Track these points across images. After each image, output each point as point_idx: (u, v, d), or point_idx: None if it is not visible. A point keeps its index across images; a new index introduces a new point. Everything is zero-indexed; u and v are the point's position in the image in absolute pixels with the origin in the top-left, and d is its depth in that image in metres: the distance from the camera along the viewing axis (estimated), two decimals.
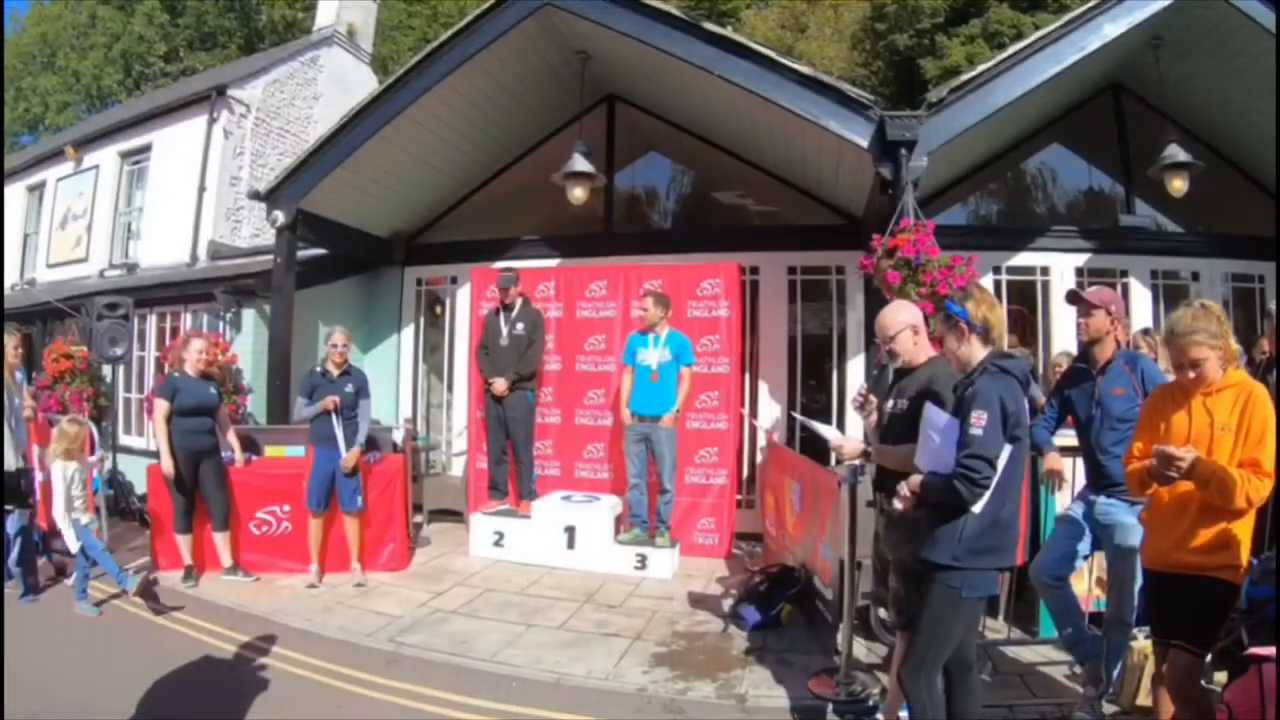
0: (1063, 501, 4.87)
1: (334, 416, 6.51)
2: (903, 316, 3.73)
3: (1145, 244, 8.10)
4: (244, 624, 5.63)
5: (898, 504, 3.31)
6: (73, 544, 5.87)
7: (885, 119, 6.18)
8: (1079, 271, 8.11)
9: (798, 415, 4.55)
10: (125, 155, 14.23)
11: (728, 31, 6.81)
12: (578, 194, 7.95)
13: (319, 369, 6.72)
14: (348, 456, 6.49)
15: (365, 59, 16.71)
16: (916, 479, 3.24)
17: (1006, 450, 3.09)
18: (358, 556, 6.71)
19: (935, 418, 3.22)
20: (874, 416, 3.89)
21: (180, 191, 12.85)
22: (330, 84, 15.34)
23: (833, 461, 6.41)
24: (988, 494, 3.06)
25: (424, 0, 34.59)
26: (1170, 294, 8.03)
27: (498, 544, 7.42)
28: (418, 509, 8.43)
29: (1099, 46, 6.35)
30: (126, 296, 9.15)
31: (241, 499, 6.78)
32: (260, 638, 5.36)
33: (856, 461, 4.17)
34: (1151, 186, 7.60)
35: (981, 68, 6.40)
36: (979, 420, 3.03)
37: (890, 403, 3.71)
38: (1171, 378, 3.52)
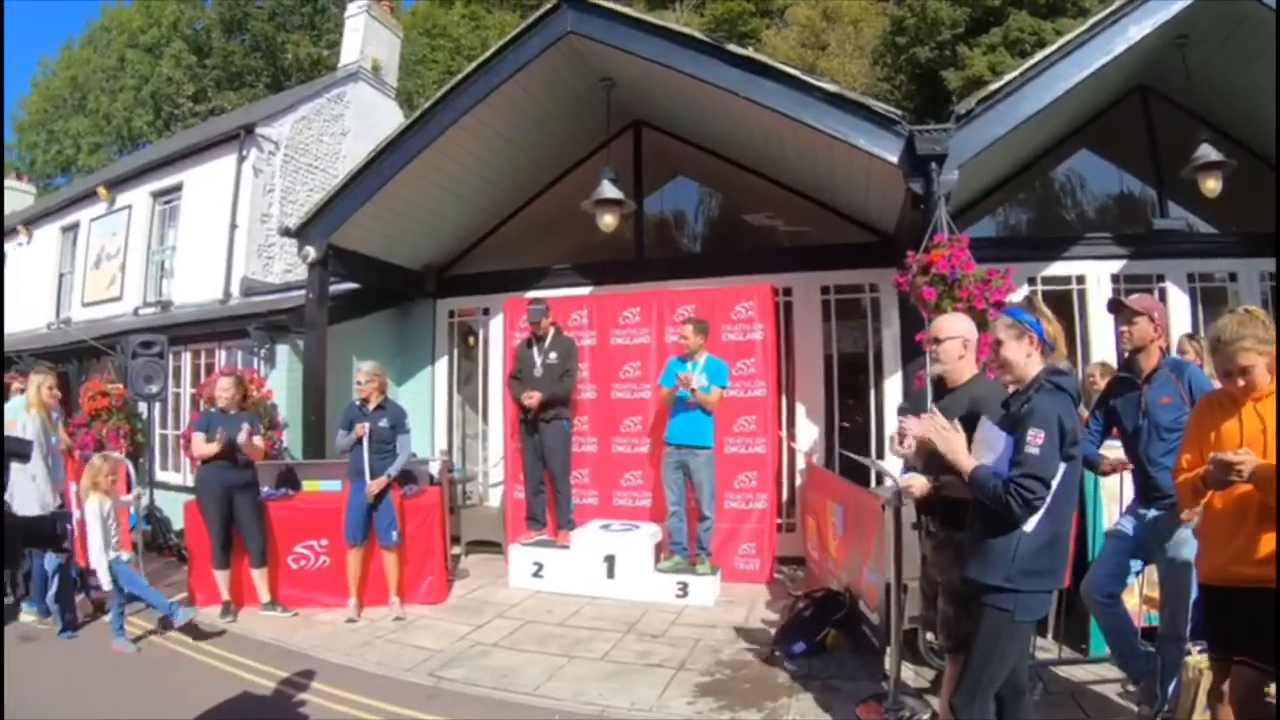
0: (1111, 516, 4.76)
1: (364, 447, 6.52)
2: (959, 326, 3.68)
3: (1180, 247, 7.95)
4: (283, 659, 5.60)
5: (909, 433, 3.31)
6: (106, 582, 5.86)
7: (914, 133, 6.12)
8: (1115, 279, 7.97)
9: (867, 460, 4.45)
10: (157, 195, 14.45)
11: (752, 53, 6.80)
12: (608, 221, 7.94)
13: (356, 402, 6.75)
14: (372, 485, 6.47)
15: (390, 93, 16.91)
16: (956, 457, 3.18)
17: (1061, 469, 3.00)
18: (396, 590, 6.68)
19: (992, 435, 3.15)
20: (911, 447, 3.78)
21: (212, 229, 13.02)
22: (357, 119, 15.52)
23: (872, 483, 6.34)
24: (1040, 513, 2.98)
25: (446, 35, 35.06)
26: (1208, 297, 7.89)
27: (537, 575, 7.37)
28: (455, 541, 8.37)
29: (1125, 49, 6.27)
30: (161, 334, 9.24)
31: (279, 533, 6.80)
32: (299, 673, 5.32)
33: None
34: (1184, 188, 7.47)
35: (1008, 77, 6.32)
36: (1036, 439, 2.94)
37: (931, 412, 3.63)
38: (1218, 384, 3.43)
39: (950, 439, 3.22)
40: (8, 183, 23.38)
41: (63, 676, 5.08)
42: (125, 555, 6.06)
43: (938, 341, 3.64)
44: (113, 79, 34.52)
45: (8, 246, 18.37)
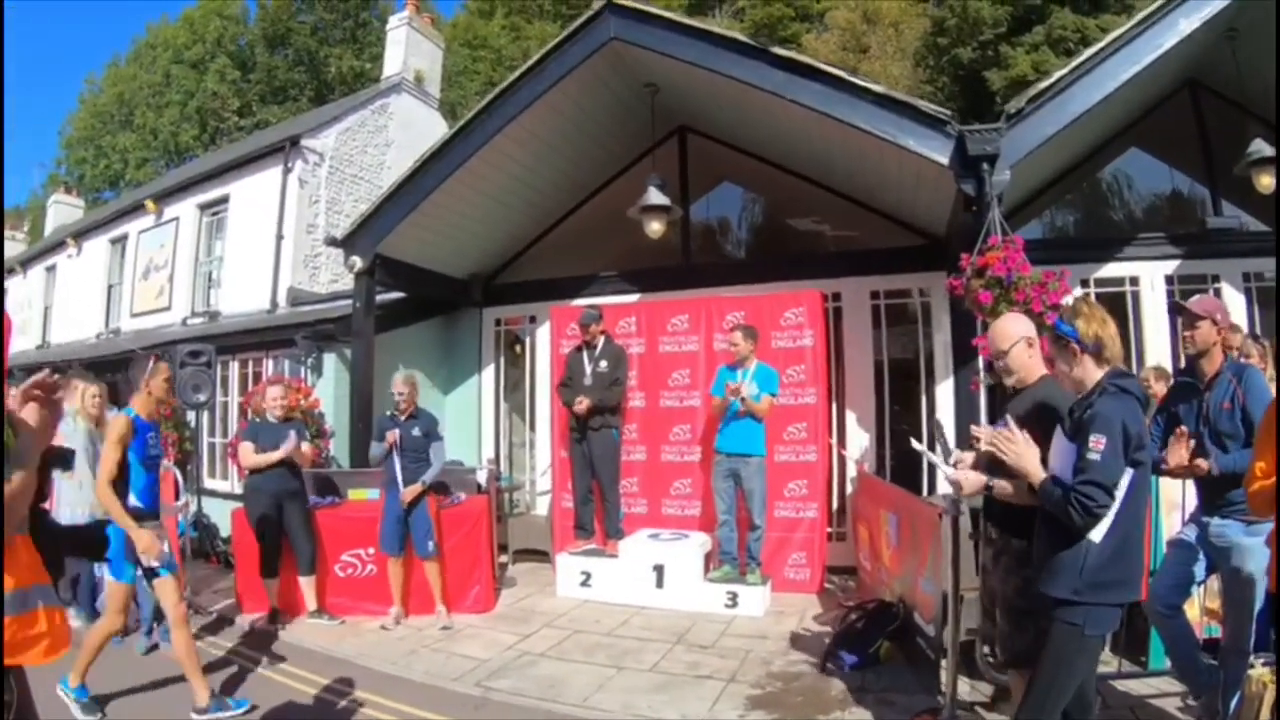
0: (1172, 525, 4.63)
1: (395, 456, 6.52)
2: (1016, 328, 3.53)
3: (1235, 245, 7.71)
4: (329, 667, 5.61)
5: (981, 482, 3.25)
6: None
7: (964, 134, 6.01)
8: (1169, 279, 7.80)
9: (922, 447, 4.35)
10: (204, 207, 14.71)
11: (797, 55, 6.74)
12: (655, 227, 7.91)
13: (389, 413, 6.75)
14: (405, 492, 6.45)
15: (433, 104, 17.08)
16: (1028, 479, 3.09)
17: (1128, 475, 2.89)
18: (441, 599, 6.66)
19: (1061, 445, 3.05)
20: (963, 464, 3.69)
21: (258, 240, 13.22)
22: (401, 130, 15.69)
23: (931, 489, 6.23)
24: (1108, 522, 2.87)
25: (487, 46, 35.37)
26: (1264, 297, 7.68)
27: (585, 584, 7.32)
28: (503, 549, 8.37)
29: (1175, 43, 6.11)
30: (209, 344, 9.33)
31: (327, 541, 6.84)
32: (345, 681, 5.33)
33: (977, 501, 3.89)
34: (1237, 185, 7.31)
35: (1057, 75, 6.19)
36: (1098, 444, 2.84)
37: (1001, 423, 3.53)
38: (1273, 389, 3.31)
39: (1022, 452, 3.13)
40: (58, 196, 23.98)
41: (109, 682, 5.11)
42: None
43: (1003, 353, 3.52)
44: (159, 95, 35.27)
45: (58, 259, 18.81)
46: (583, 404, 7.38)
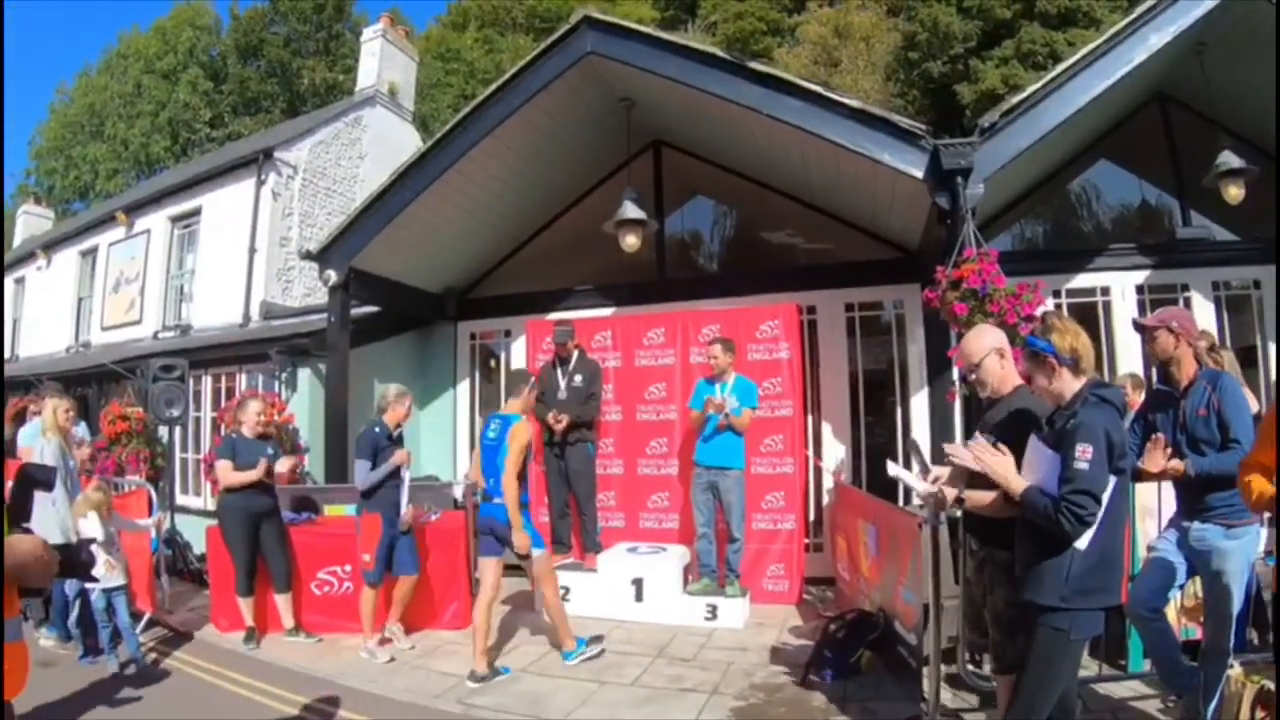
0: (1150, 531, 4.69)
1: (405, 478, 6.36)
2: (986, 340, 3.61)
3: (1204, 255, 7.89)
4: (308, 686, 5.56)
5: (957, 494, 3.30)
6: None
7: (939, 148, 6.08)
8: (1139, 289, 7.94)
9: (896, 468, 4.40)
10: (175, 219, 14.57)
11: (774, 70, 6.79)
12: (630, 241, 7.91)
13: (378, 429, 6.37)
14: (407, 514, 6.35)
15: (407, 117, 17.06)
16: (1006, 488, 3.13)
17: (1111, 482, 2.96)
18: (400, 617, 6.51)
19: (1040, 453, 3.10)
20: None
21: (231, 253, 13.10)
22: (374, 143, 15.63)
23: (907, 500, 6.26)
24: (1093, 529, 2.94)
25: (460, 58, 35.34)
26: (1233, 305, 7.87)
27: (564, 598, 7.23)
28: None
29: (1146, 57, 6.24)
30: (181, 358, 9.24)
31: (303, 559, 6.77)
32: (325, 700, 5.29)
33: (957, 513, 3.95)
34: (1205, 196, 7.45)
35: (1031, 89, 6.29)
36: (1085, 454, 2.91)
37: (975, 437, 3.58)
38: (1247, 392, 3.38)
39: (1000, 463, 3.17)
40: (28, 207, 23.66)
41: (85, 703, 5.04)
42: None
43: (975, 366, 3.58)
44: (130, 105, 34.87)
45: (27, 271, 18.54)
46: (562, 421, 7.36)
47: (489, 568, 5.73)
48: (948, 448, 3.57)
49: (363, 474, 6.19)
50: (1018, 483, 3.10)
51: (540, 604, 6.45)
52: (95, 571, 5.65)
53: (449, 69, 35.31)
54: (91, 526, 5.78)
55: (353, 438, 7.82)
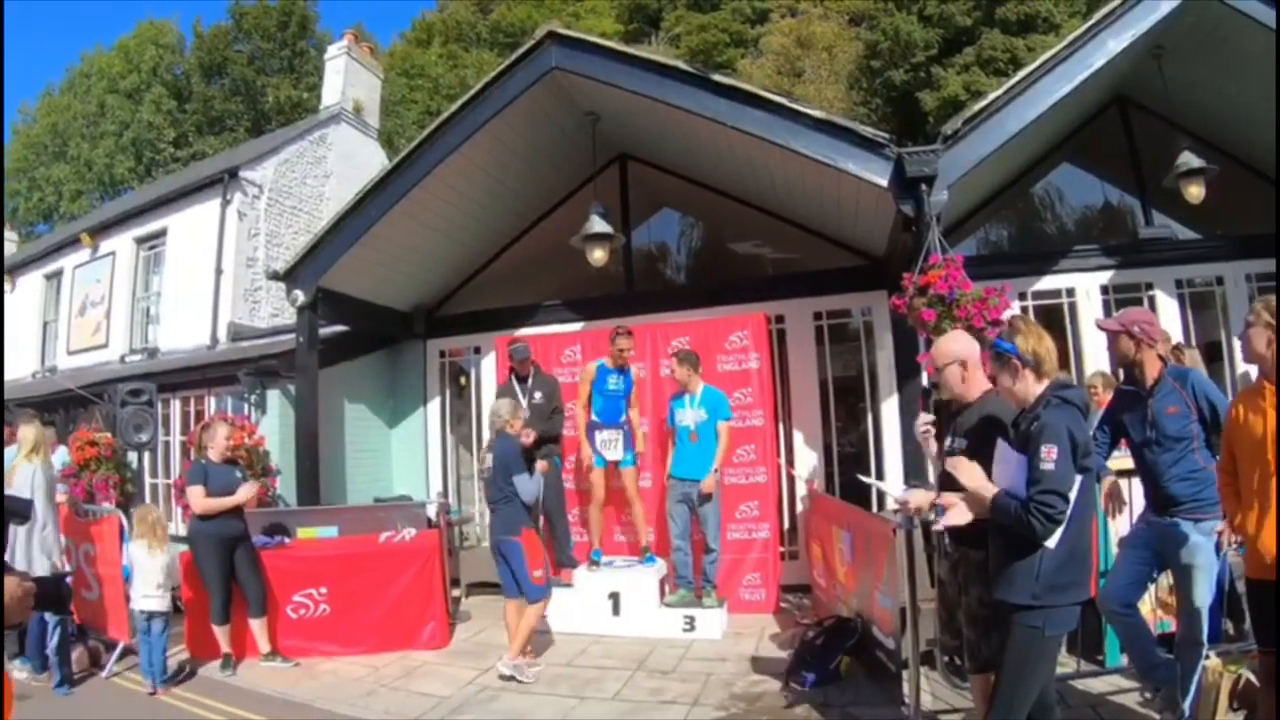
0: (1121, 527, 4.75)
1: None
2: (953, 348, 3.65)
3: (1167, 254, 8.04)
4: (287, 712, 5.51)
5: (949, 516, 3.28)
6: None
7: (903, 156, 6.14)
8: (1104, 289, 8.07)
9: (869, 478, 4.43)
10: (141, 241, 14.35)
11: (738, 82, 6.83)
12: (598, 255, 7.92)
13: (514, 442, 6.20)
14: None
15: (373, 134, 16.95)
16: (977, 493, 3.16)
17: (1077, 481, 3.01)
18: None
19: (1007, 456, 3.15)
20: (933, 445, 3.80)
21: (197, 275, 12.92)
22: (340, 161, 15.52)
23: (880, 506, 6.30)
24: (1061, 527, 2.98)
25: (425, 74, 35.27)
26: (1196, 302, 8.00)
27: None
28: (455, 584, 8.24)
29: (1105, 62, 6.34)
30: (149, 382, 9.11)
31: (277, 583, 6.67)
32: None
33: (931, 517, 4.00)
34: (1167, 196, 7.59)
35: (992, 96, 6.38)
36: (1049, 454, 2.95)
37: (947, 441, 3.62)
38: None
39: (969, 471, 3.21)
40: None
41: None
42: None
43: (938, 370, 3.63)
44: (93, 125, 34.46)
45: None
46: (529, 435, 7.35)
47: None
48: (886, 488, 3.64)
49: (527, 485, 6.01)
50: (987, 489, 3.14)
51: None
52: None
53: (413, 85, 35.27)
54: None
55: (325, 459, 7.79)
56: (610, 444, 7.34)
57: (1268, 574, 3.19)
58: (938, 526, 3.68)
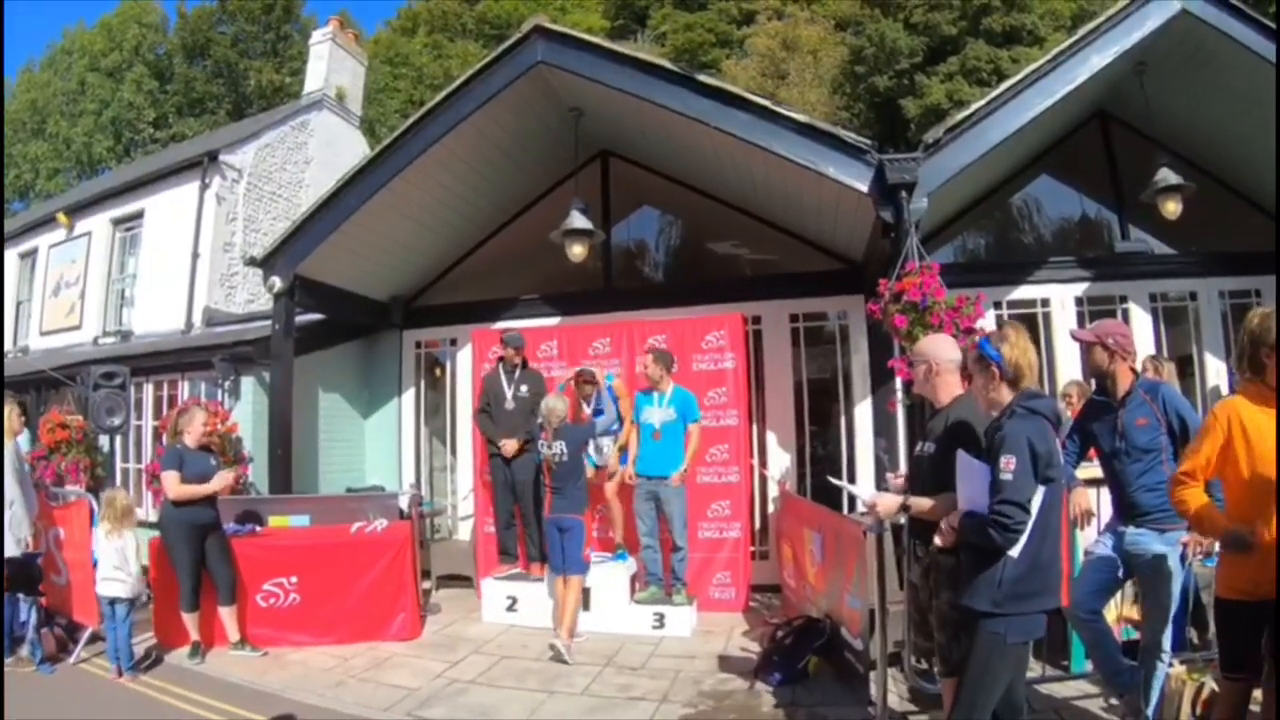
0: (1089, 535, 4.82)
1: None
2: (926, 349, 3.73)
3: (1142, 268, 8.13)
4: (255, 702, 5.45)
5: (938, 540, 3.31)
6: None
7: (884, 162, 6.19)
8: (1079, 301, 8.16)
9: (840, 481, 4.48)
10: (117, 222, 14.20)
11: (722, 83, 6.85)
12: (577, 251, 7.91)
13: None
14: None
15: (355, 122, 16.84)
16: (956, 515, 3.21)
17: (1040, 492, 3.05)
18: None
19: (968, 466, 3.19)
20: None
21: (173, 258, 12.81)
22: (321, 148, 15.41)
23: (851, 508, 6.35)
24: (1024, 537, 3.02)
25: (409, 63, 35.08)
26: (1170, 316, 8.11)
27: (511, 609, 7.26)
28: (425, 575, 8.21)
29: (1088, 77, 6.43)
30: (122, 365, 9.03)
31: (247, 571, 6.61)
32: (275, 717, 5.18)
33: (901, 519, 4.06)
34: (1144, 211, 7.65)
35: (975, 106, 6.45)
36: (1008, 465, 3.00)
37: (918, 445, 3.66)
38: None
39: (916, 505, 3.34)
40: None
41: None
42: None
43: (910, 365, 3.69)
44: (73, 103, 34.00)
45: None
46: (510, 445, 7.37)
47: None
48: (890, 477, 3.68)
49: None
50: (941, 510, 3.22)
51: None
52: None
53: (397, 74, 35.08)
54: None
55: (298, 447, 7.74)
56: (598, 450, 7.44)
57: (1242, 595, 3.16)
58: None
